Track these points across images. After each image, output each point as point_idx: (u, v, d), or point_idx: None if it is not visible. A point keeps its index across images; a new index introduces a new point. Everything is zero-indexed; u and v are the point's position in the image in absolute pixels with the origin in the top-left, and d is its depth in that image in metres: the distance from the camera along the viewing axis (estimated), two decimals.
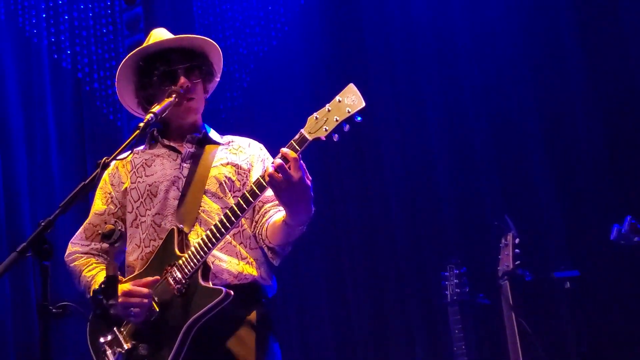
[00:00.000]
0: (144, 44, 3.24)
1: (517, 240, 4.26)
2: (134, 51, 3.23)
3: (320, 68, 5.84)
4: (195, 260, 2.85)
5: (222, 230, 2.83)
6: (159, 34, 3.29)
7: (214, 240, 2.84)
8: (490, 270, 4.45)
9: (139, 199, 3.12)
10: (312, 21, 5.95)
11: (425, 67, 5.46)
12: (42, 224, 2.59)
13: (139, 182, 3.14)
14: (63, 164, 6.05)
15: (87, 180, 2.72)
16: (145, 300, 2.88)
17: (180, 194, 3.05)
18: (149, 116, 2.94)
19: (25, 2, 6.04)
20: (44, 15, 6.09)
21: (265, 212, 3.05)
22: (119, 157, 2.97)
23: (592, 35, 4.94)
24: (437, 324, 5.02)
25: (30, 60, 6.09)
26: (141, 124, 2.91)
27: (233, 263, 2.97)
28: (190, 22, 6.20)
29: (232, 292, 2.82)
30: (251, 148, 3.21)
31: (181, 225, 2.98)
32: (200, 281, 2.84)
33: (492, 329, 4.69)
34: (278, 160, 2.67)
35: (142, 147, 3.25)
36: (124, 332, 2.95)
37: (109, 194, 3.22)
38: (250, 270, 3.00)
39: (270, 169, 2.67)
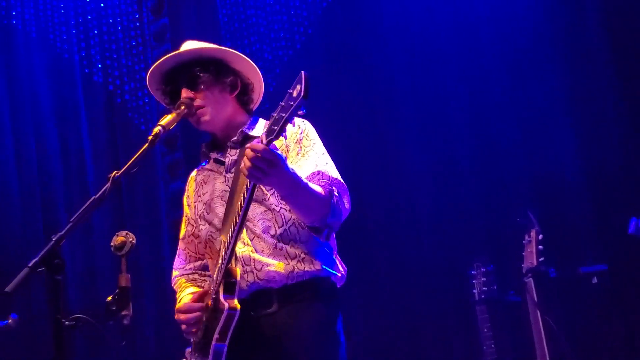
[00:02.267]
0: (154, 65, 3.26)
1: (540, 237, 4.21)
2: (147, 75, 3.25)
3: (344, 69, 5.84)
4: (220, 272, 2.86)
5: (233, 233, 2.81)
6: (181, 48, 3.31)
7: (230, 245, 2.82)
8: (519, 267, 4.41)
9: (198, 217, 3.15)
10: (334, 23, 5.96)
11: (448, 65, 5.44)
12: (54, 238, 2.65)
13: (198, 201, 3.16)
14: (98, 176, 6.15)
15: (98, 195, 2.78)
16: (188, 318, 2.93)
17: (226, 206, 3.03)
18: (157, 129, 2.95)
19: (55, 18, 6.17)
20: (74, 31, 6.20)
21: None
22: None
23: (619, 26, 4.87)
24: (467, 323, 4.98)
25: (63, 75, 6.21)
26: (150, 137, 2.95)
27: (281, 265, 2.89)
28: (216, 30, 6.26)
29: (237, 307, 2.79)
30: (290, 129, 2.96)
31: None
32: (220, 295, 2.83)
33: (522, 327, 4.64)
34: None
35: (203, 163, 3.26)
36: (194, 344, 3.03)
37: (187, 215, 3.27)
38: (305, 266, 2.90)
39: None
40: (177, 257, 3.32)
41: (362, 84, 5.79)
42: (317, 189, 2.82)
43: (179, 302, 3.09)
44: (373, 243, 5.53)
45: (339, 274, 3.02)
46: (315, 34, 6.03)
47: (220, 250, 2.97)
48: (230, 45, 6.10)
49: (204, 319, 2.96)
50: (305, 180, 2.78)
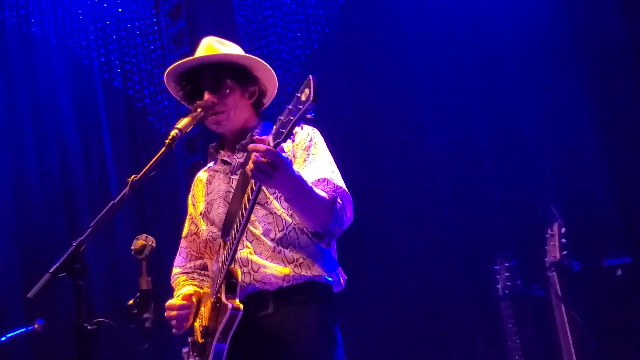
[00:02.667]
0: (178, 62, 3.29)
1: (563, 230, 4.18)
2: (166, 71, 3.26)
3: (362, 67, 5.84)
4: (221, 273, 2.88)
5: (235, 234, 2.82)
6: (202, 46, 3.32)
7: (229, 250, 2.84)
8: (543, 261, 4.37)
9: (200, 216, 3.17)
10: (351, 21, 5.96)
11: (468, 61, 5.42)
12: (74, 244, 2.66)
13: (203, 200, 3.18)
14: (120, 180, 6.20)
15: (116, 200, 2.79)
16: (178, 314, 2.96)
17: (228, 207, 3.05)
18: (174, 132, 2.96)
19: (74, 25, 6.22)
20: (92, 37, 6.25)
21: None
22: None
23: (636, 17, 4.82)
24: (491, 319, 4.94)
25: (82, 81, 6.26)
26: (167, 140, 2.96)
27: (278, 268, 2.91)
28: (234, 31, 6.27)
29: (240, 307, 2.80)
30: (298, 136, 3.05)
31: (228, 239, 2.95)
32: (222, 294, 2.86)
33: (547, 321, 4.60)
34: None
35: (211, 164, 3.28)
36: (191, 343, 3.04)
37: (190, 215, 3.29)
38: (302, 270, 2.91)
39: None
40: (178, 254, 3.34)
41: (380, 81, 5.78)
42: (322, 194, 2.82)
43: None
44: (396, 239, 5.52)
45: (337, 280, 3.03)
46: (332, 32, 6.03)
47: (220, 250, 3.00)
48: (248, 46, 6.12)
49: (204, 320, 2.97)
50: (310, 185, 2.79)
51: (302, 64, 6.06)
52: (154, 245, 3.00)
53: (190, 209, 3.29)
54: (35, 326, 4.50)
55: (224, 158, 3.18)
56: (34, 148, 5.93)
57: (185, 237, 3.30)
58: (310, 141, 3.04)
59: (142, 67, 6.34)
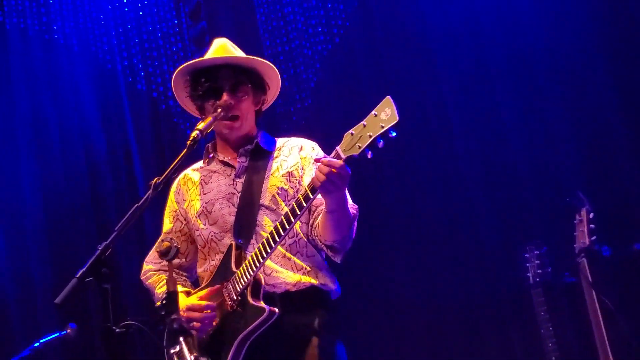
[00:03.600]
0: (200, 58, 3.32)
1: (591, 215, 4.13)
2: (182, 65, 3.33)
3: (384, 60, 5.81)
4: (246, 276, 2.92)
5: (276, 238, 2.86)
6: (216, 46, 3.35)
7: (264, 253, 2.87)
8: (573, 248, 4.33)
9: (197, 216, 3.20)
10: (372, 14, 5.93)
11: (492, 50, 5.38)
12: (100, 248, 2.69)
13: (197, 199, 3.22)
14: (147, 181, 6.22)
15: (141, 202, 2.81)
16: (205, 317, 2.99)
17: (235, 209, 3.11)
18: (194, 134, 3.01)
19: (96, 30, 6.25)
20: (115, 41, 6.28)
21: (318, 215, 3.06)
22: (179, 175, 3.15)
23: None
24: (524, 307, 4.90)
25: (106, 85, 6.29)
26: (188, 142, 2.99)
27: (289, 274, 3.01)
28: (254, 29, 6.27)
29: (276, 311, 2.87)
30: (303, 150, 3.22)
31: (240, 241, 3.04)
32: (249, 298, 2.90)
33: (580, 308, 4.55)
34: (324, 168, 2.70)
35: (200, 163, 3.33)
36: (189, 344, 3.03)
37: (175, 211, 3.34)
38: (308, 279, 3.03)
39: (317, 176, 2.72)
40: (153, 250, 3.40)
41: (403, 73, 5.74)
42: (350, 208, 2.95)
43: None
44: (426, 229, 5.49)
45: (336, 289, 3.12)
46: (353, 26, 6.01)
47: (232, 252, 3.03)
48: (269, 44, 6.13)
49: (217, 321, 3.01)
50: (346, 194, 2.89)
51: (324, 59, 6.05)
52: (179, 247, 3.03)
53: (175, 205, 3.33)
54: (68, 331, 4.54)
55: (225, 160, 3.23)
56: (61, 155, 5.98)
57: (169, 233, 3.32)
58: (316, 155, 3.17)
59: (165, 69, 6.36)
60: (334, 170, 2.67)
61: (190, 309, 3.02)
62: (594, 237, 4.10)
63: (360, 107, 5.75)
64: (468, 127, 5.41)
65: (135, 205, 2.81)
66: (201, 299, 3.07)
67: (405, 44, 5.79)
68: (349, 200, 3.05)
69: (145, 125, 6.37)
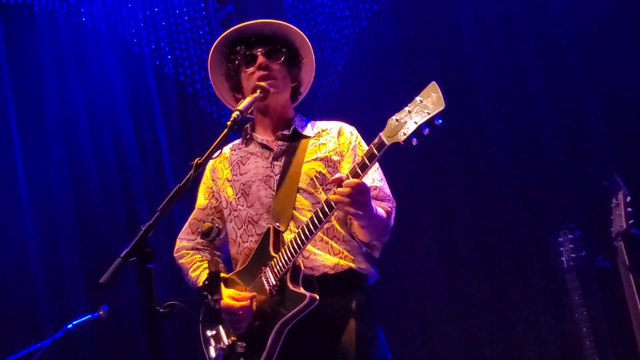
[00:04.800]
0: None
1: (628, 199, 4.07)
2: (218, 39, 3.32)
3: (412, 44, 5.78)
4: (284, 261, 2.90)
5: (312, 229, 2.84)
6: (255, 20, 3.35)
7: (301, 242, 2.86)
8: (609, 231, 4.28)
9: (233, 196, 3.19)
10: None
11: (525, 34, 5.34)
12: (143, 228, 2.67)
13: (234, 179, 3.20)
14: (174, 165, 6.24)
15: (182, 183, 2.79)
16: (242, 315, 2.96)
17: (273, 192, 3.09)
18: (235, 114, 2.99)
19: (123, 13, 6.24)
20: (142, 24, 6.26)
21: None
22: (214, 155, 3.12)
23: None
24: (557, 291, 4.87)
25: (134, 68, 6.29)
26: (229, 122, 2.97)
27: (327, 257, 3.00)
28: (281, 12, 6.24)
29: (317, 297, 2.85)
30: (342, 136, 3.18)
31: (277, 224, 3.02)
32: (289, 283, 2.88)
33: (614, 292, 4.51)
34: (340, 190, 2.70)
35: (238, 142, 3.31)
36: (227, 328, 3.03)
37: (210, 188, 3.32)
38: (346, 262, 3.01)
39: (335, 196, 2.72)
40: (187, 226, 3.39)
41: (432, 56, 5.70)
42: (381, 212, 2.93)
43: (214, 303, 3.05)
44: (458, 213, 5.47)
45: (373, 272, 3.10)
46: (381, 9, 5.97)
47: (270, 235, 3.01)
48: (296, 27, 6.08)
49: (255, 307, 2.98)
50: (375, 208, 2.85)
51: (352, 42, 6.02)
52: (220, 227, 3.02)
53: (211, 183, 3.32)
54: (101, 312, 4.58)
55: (264, 142, 3.21)
56: (89, 137, 5.98)
57: (203, 209, 3.32)
58: (354, 141, 3.16)
59: (192, 52, 6.34)
60: (354, 190, 2.68)
61: (227, 311, 2.98)
62: (631, 221, 4.04)
63: (387, 91, 5.79)
64: (498, 110, 5.37)
65: (177, 186, 2.80)
66: (238, 299, 2.99)
67: (433, 27, 5.76)
68: (386, 191, 3.06)
69: (172, 108, 6.36)
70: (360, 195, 2.70)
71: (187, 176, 2.81)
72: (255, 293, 2.99)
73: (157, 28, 6.32)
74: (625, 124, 4.92)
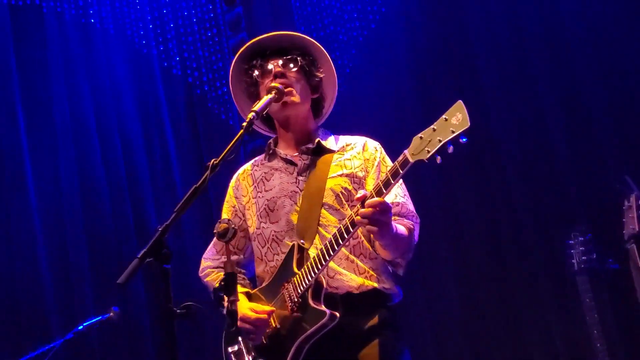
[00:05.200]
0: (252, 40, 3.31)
1: None
2: (236, 55, 3.32)
3: (421, 46, 5.77)
4: (307, 279, 2.87)
5: (335, 246, 2.82)
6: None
7: (323, 259, 2.83)
8: (619, 234, 4.28)
9: (257, 213, 3.15)
10: (408, 0, 5.89)
11: (533, 34, 5.33)
12: (160, 229, 2.66)
13: (258, 196, 3.17)
14: (182, 167, 6.25)
15: (199, 183, 2.78)
16: (258, 329, 2.95)
17: (298, 208, 3.06)
18: (250, 115, 2.98)
19: (132, 14, 6.25)
20: (150, 26, 6.28)
21: None
22: (240, 170, 3.29)
23: None
24: (567, 293, 4.86)
25: (142, 70, 6.30)
26: (244, 124, 2.97)
27: (352, 277, 2.96)
28: (289, 15, 6.25)
29: (337, 315, 2.82)
30: (366, 152, 3.15)
31: (302, 241, 2.99)
32: (310, 301, 2.85)
33: (625, 295, 4.51)
34: (363, 211, 2.68)
35: (261, 158, 3.29)
36: (248, 344, 3.02)
37: (233, 207, 3.29)
38: (371, 282, 2.98)
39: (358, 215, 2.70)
40: (211, 246, 3.37)
41: (441, 59, 5.70)
42: (402, 229, 2.91)
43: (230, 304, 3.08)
44: (467, 216, 5.45)
45: (398, 292, 3.07)
46: (390, 12, 5.97)
47: (294, 252, 2.98)
48: (304, 29, 6.09)
49: (274, 322, 2.97)
50: (395, 226, 2.83)
51: (360, 45, 6.02)
52: (236, 228, 3.01)
53: (234, 201, 3.29)
54: (111, 314, 4.58)
55: (288, 157, 3.18)
56: (98, 139, 5.98)
57: None
58: (379, 157, 3.14)
59: (200, 54, 6.36)
60: (372, 210, 2.66)
61: (242, 320, 2.97)
62: None
63: (396, 93, 5.79)
64: (508, 113, 5.36)
65: (194, 186, 2.79)
66: (257, 311, 2.98)
67: (441, 29, 5.75)
68: (410, 207, 3.04)
69: (180, 110, 6.38)
70: (381, 215, 2.68)
71: (204, 177, 2.80)
72: (274, 308, 2.97)
73: (166, 30, 6.34)
74: (636, 126, 4.90)
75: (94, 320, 4.57)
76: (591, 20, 5.14)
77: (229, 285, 2.88)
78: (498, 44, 5.50)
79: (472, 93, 5.49)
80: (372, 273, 2.99)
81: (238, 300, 3.02)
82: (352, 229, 2.77)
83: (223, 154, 2.89)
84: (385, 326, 2.94)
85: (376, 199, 2.67)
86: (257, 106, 3.02)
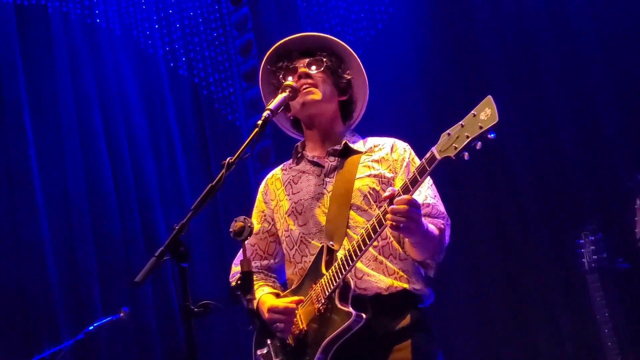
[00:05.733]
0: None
1: None
2: (264, 58, 3.29)
3: (428, 47, 5.77)
4: (335, 279, 2.84)
5: (362, 247, 2.79)
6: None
7: (351, 260, 2.81)
8: (629, 233, 4.27)
9: (286, 216, 3.13)
10: (416, 0, 5.89)
11: (542, 34, 5.32)
12: (176, 227, 2.65)
13: (286, 199, 3.14)
14: (189, 166, 6.24)
15: (214, 182, 2.77)
16: (287, 318, 2.92)
17: (326, 210, 3.04)
18: (265, 113, 2.95)
19: (138, 15, 6.25)
20: (156, 26, 6.28)
21: None
22: (269, 175, 3.27)
23: None
24: (577, 292, 4.85)
25: (148, 70, 6.29)
26: (259, 122, 2.94)
27: (381, 278, 2.93)
28: (296, 16, 6.25)
29: (363, 316, 2.78)
30: (395, 152, 3.11)
31: (331, 243, 2.96)
32: (337, 302, 2.82)
33: (636, 294, 4.52)
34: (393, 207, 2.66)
35: (289, 162, 3.28)
36: (276, 346, 3.01)
37: (262, 212, 3.27)
38: (400, 283, 2.94)
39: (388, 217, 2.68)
40: (240, 252, 3.32)
41: (448, 59, 5.69)
42: (433, 228, 2.86)
43: (263, 302, 3.06)
44: (479, 215, 5.44)
45: (429, 294, 3.03)
46: (397, 12, 5.97)
47: (322, 254, 2.96)
48: (310, 30, 6.08)
49: (301, 324, 2.95)
50: (426, 225, 2.80)
51: (367, 45, 6.01)
52: (252, 226, 2.99)
53: (263, 206, 3.27)
54: (121, 314, 4.57)
55: (314, 159, 3.16)
56: (104, 139, 5.96)
57: (257, 233, 3.23)
58: (407, 157, 3.10)
59: (206, 54, 6.37)
60: (401, 206, 2.64)
61: (270, 310, 2.96)
62: None
63: (403, 93, 5.77)
64: (517, 112, 5.35)
65: (210, 185, 2.78)
66: (281, 302, 2.99)
67: (449, 30, 5.74)
68: (440, 208, 3.00)
69: (186, 109, 6.37)
70: (411, 211, 2.65)
71: (219, 175, 2.78)
72: (302, 297, 2.96)
73: (172, 30, 6.34)
74: None
75: (104, 321, 4.57)
76: (601, 21, 5.13)
77: (245, 283, 2.88)
78: (506, 45, 5.49)
79: (480, 94, 5.44)
80: (402, 274, 2.94)
81: (255, 299, 3.02)
82: (379, 228, 2.74)
83: (238, 152, 2.87)
84: (417, 328, 2.90)
85: (404, 196, 2.65)
86: (272, 104, 3.00)
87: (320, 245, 2.98)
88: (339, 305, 2.81)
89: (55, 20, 6.02)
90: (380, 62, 5.95)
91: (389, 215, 2.67)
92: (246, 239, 2.85)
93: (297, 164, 3.22)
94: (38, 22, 6.01)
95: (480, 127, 2.48)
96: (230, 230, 3.09)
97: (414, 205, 2.66)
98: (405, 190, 2.67)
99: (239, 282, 2.89)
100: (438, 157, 2.58)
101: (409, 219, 2.65)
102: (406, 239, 2.91)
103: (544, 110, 5.23)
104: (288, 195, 3.15)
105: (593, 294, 4.38)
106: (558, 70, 5.23)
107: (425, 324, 2.95)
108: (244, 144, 2.90)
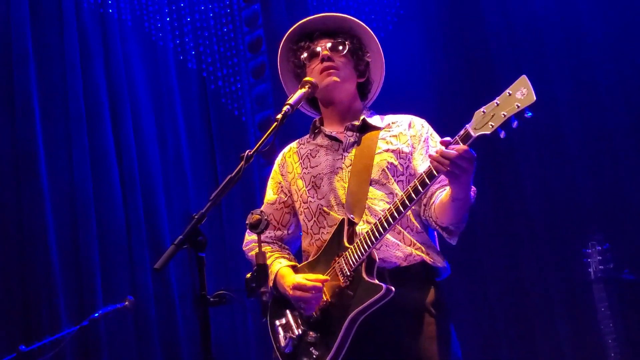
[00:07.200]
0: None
1: None
2: (285, 35, 3.31)
3: (439, 49, 5.78)
4: (359, 253, 2.86)
5: (390, 221, 2.80)
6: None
7: (378, 233, 2.82)
8: (636, 245, 4.29)
9: (304, 189, 3.16)
10: (426, 2, 5.89)
11: (552, 40, 5.32)
12: (196, 217, 2.66)
13: (304, 172, 3.18)
14: (194, 160, 6.23)
15: (234, 174, 2.79)
16: (314, 295, 2.92)
17: (345, 184, 3.06)
18: (285, 108, 2.97)
19: (150, 7, 6.24)
20: (167, 19, 6.27)
21: (432, 194, 2.97)
22: (285, 149, 3.29)
23: None
24: (581, 302, 4.86)
25: (158, 62, 6.28)
26: (279, 116, 2.95)
27: (401, 246, 2.95)
28: (306, 14, 6.22)
29: (392, 289, 2.79)
30: (412, 128, 3.14)
31: (352, 216, 2.98)
32: (364, 274, 2.84)
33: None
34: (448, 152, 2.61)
35: (307, 137, 3.30)
36: (297, 317, 3.02)
37: (279, 183, 3.29)
38: (419, 253, 2.96)
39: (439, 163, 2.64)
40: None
41: (457, 61, 5.70)
42: (474, 189, 2.86)
43: (282, 275, 3.07)
44: (484, 223, 5.43)
45: (446, 267, 3.05)
46: (407, 14, 5.97)
47: (344, 227, 2.97)
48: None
49: (326, 295, 2.95)
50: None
51: None
52: (269, 219, 3.00)
53: (280, 178, 3.29)
54: (126, 302, 4.57)
55: (332, 134, 3.18)
56: (111, 128, 5.93)
57: (272, 203, 3.27)
58: (427, 133, 3.13)
59: (216, 49, 6.37)
60: (459, 154, 2.58)
61: (296, 288, 2.97)
62: None
63: (413, 94, 5.77)
64: (526, 121, 5.34)
65: (229, 176, 2.80)
66: (307, 279, 2.98)
67: (460, 31, 5.75)
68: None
69: (193, 103, 6.38)
70: (464, 161, 2.59)
71: (238, 167, 2.80)
72: (328, 277, 2.96)
73: (182, 24, 6.34)
74: None
75: (110, 309, 4.57)
76: (610, 24, 5.14)
77: (260, 275, 2.88)
78: (516, 46, 5.49)
79: (489, 96, 5.46)
80: (420, 245, 2.97)
81: (268, 291, 3.03)
82: (430, 180, 2.69)
83: (258, 145, 2.90)
84: (436, 304, 2.93)
85: (462, 145, 2.60)
86: (292, 99, 3.02)
87: (340, 217, 3.00)
88: (367, 278, 2.83)
89: (67, 9, 5.98)
90: (390, 64, 5.93)
91: (437, 156, 2.62)
92: (262, 232, 2.86)
93: (314, 138, 3.25)
94: (50, 9, 5.97)
95: (518, 106, 2.50)
96: (247, 222, 3.10)
97: (470, 156, 2.62)
98: (464, 139, 2.61)
99: (254, 273, 2.90)
100: (473, 134, 2.57)
101: (462, 169, 2.61)
102: (443, 196, 2.87)
103: (552, 118, 5.23)
104: (306, 168, 3.18)
105: (598, 304, 4.40)
106: (567, 76, 5.23)
107: (443, 299, 2.97)
108: (263, 138, 2.92)
